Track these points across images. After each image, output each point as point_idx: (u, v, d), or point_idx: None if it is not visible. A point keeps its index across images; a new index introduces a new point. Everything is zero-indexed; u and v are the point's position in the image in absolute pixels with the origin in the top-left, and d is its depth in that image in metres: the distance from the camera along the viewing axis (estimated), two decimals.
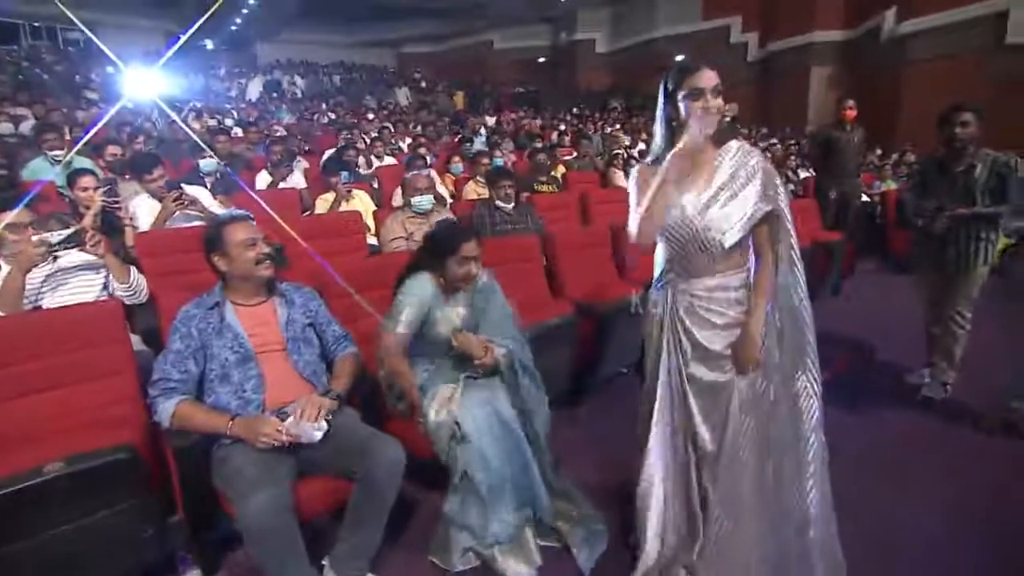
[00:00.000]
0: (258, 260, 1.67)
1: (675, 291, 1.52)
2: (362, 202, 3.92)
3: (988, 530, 1.87)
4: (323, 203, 3.83)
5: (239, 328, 1.66)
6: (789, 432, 1.44)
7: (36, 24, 15.67)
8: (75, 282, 2.06)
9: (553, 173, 5.35)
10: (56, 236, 1.91)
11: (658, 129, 1.49)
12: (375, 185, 4.78)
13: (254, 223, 1.73)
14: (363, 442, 1.57)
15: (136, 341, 2.01)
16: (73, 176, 2.94)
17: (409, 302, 1.87)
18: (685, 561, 1.58)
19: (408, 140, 7.44)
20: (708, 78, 1.36)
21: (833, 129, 5.04)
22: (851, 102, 4.89)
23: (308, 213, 3.90)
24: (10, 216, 1.95)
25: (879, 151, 8.91)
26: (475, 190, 4.45)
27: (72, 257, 2.08)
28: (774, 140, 10.08)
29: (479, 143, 7.07)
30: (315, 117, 9.59)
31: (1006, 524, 1.90)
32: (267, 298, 1.77)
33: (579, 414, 2.78)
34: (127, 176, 3.71)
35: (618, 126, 11.07)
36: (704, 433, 1.52)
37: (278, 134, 6.70)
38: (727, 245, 1.39)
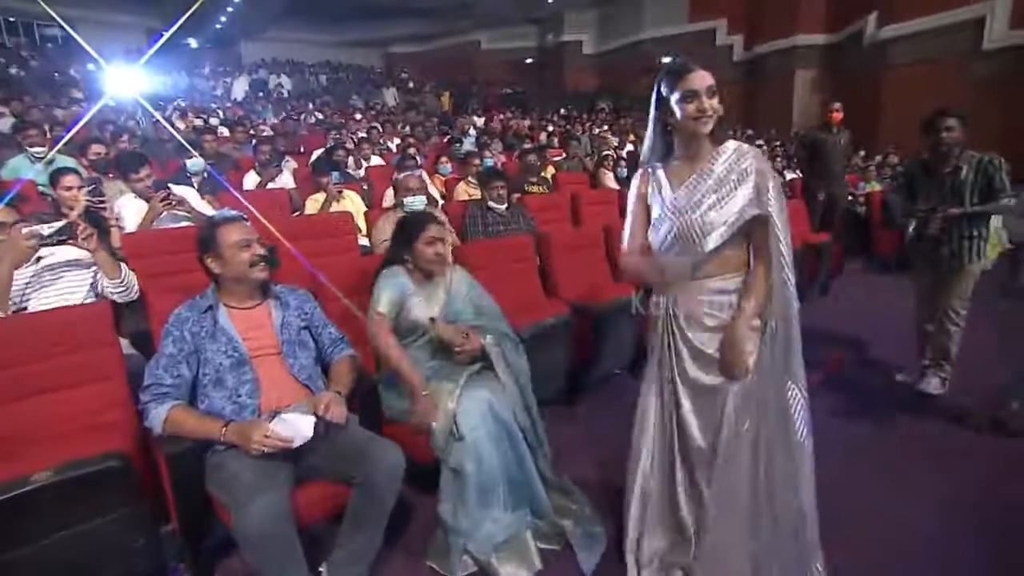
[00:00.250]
0: (252, 262, 1.64)
1: (672, 292, 1.51)
2: (353, 202, 3.87)
3: (981, 527, 1.89)
4: (313, 203, 3.78)
5: (233, 332, 1.63)
6: (780, 435, 1.43)
7: (11, 20, 15.30)
8: (61, 283, 2.00)
9: (543, 174, 5.35)
10: (47, 229, 1.87)
11: (650, 132, 1.49)
12: (364, 187, 4.73)
13: (248, 224, 1.69)
14: (362, 447, 1.55)
15: (125, 345, 1.96)
16: (56, 175, 2.87)
17: (384, 287, 1.95)
18: (682, 563, 1.58)
19: (396, 140, 7.39)
20: (701, 79, 1.34)
21: (820, 131, 5.11)
22: (837, 105, 4.95)
23: (298, 213, 3.85)
24: None
25: (862, 153, 9.05)
26: (466, 191, 4.43)
27: (57, 256, 2.03)
28: (760, 142, 10.19)
29: (468, 144, 7.05)
30: (302, 117, 9.48)
31: (999, 520, 1.93)
32: (261, 301, 1.74)
33: (576, 414, 2.77)
34: (111, 175, 3.64)
35: (606, 127, 11.11)
36: (696, 434, 1.52)
37: (265, 134, 6.60)
38: (707, 249, 1.38)
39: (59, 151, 4.08)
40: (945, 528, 1.89)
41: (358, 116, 9.82)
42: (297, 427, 1.47)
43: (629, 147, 8.79)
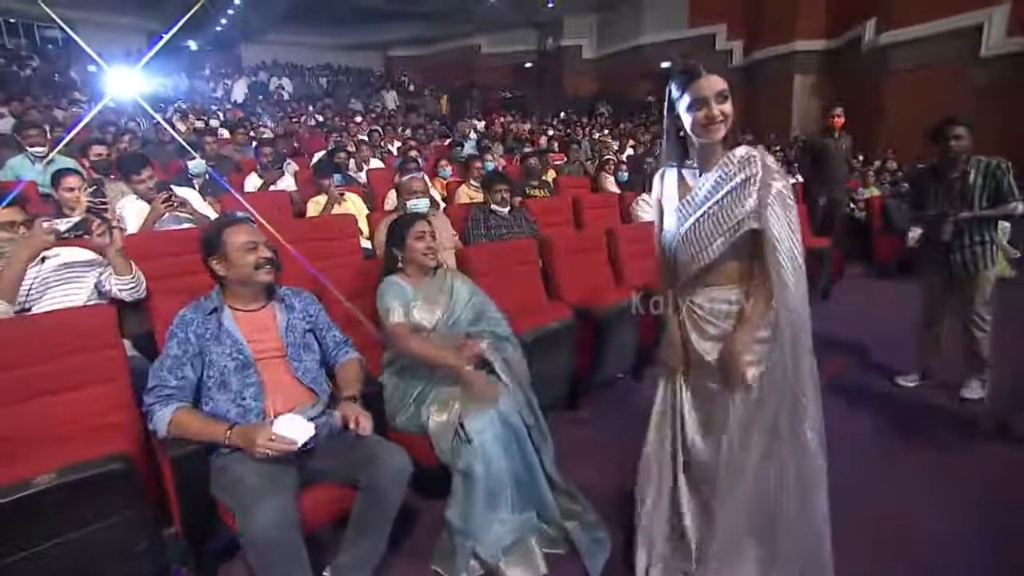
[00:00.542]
0: (258, 264, 1.63)
1: (682, 299, 1.51)
2: (354, 205, 3.87)
3: (985, 530, 1.89)
4: (315, 206, 3.77)
5: (238, 334, 1.62)
6: (791, 449, 1.38)
7: (12, 21, 15.29)
8: (65, 284, 1.99)
9: (544, 178, 5.36)
10: (64, 224, 1.89)
11: (665, 137, 1.48)
12: (365, 189, 4.73)
13: (254, 226, 1.68)
14: (368, 450, 1.54)
15: (127, 346, 1.94)
16: (57, 176, 2.86)
17: (390, 299, 1.97)
18: (684, 568, 1.57)
19: (397, 144, 7.40)
20: (711, 85, 1.29)
21: (822, 136, 5.12)
22: (839, 110, 4.98)
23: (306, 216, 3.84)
24: (2, 214, 1.88)
25: (861, 158, 9.08)
26: (467, 194, 4.43)
27: (62, 257, 2.01)
28: (760, 146, 10.21)
29: (469, 147, 7.06)
30: (302, 119, 9.48)
31: (1004, 523, 1.92)
32: (266, 303, 1.73)
33: (579, 418, 2.76)
34: (113, 176, 3.63)
35: (606, 131, 11.15)
36: (699, 442, 1.51)
37: (266, 136, 6.60)
38: (704, 261, 1.37)
39: (59, 152, 4.07)
40: (948, 531, 1.89)
41: (358, 119, 9.83)
42: (301, 430, 1.46)
43: (629, 151, 8.83)
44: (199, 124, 7.54)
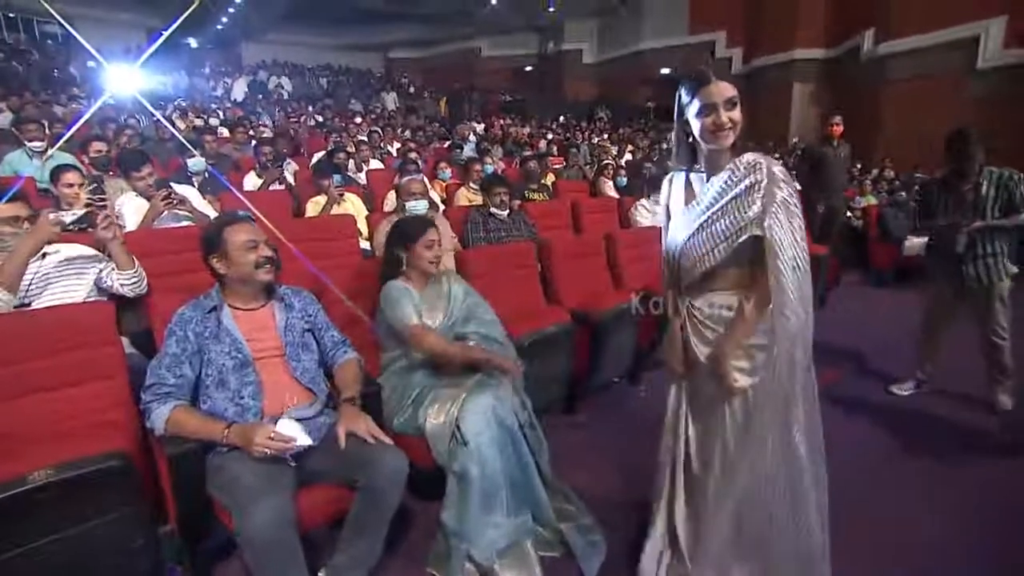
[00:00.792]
0: (259, 263, 1.63)
1: (683, 302, 1.51)
2: (354, 205, 3.87)
3: (985, 535, 1.90)
4: (314, 206, 3.77)
5: (237, 333, 1.62)
6: (782, 465, 1.37)
7: (11, 16, 15.23)
8: (64, 280, 1.98)
9: (543, 181, 5.37)
10: (70, 216, 1.90)
11: (674, 142, 1.48)
12: (364, 190, 4.73)
13: (255, 225, 1.68)
14: (366, 450, 1.53)
15: (124, 344, 1.94)
16: (56, 172, 2.84)
17: (401, 303, 1.95)
18: (681, 571, 1.58)
19: (396, 145, 7.41)
20: (720, 91, 1.28)
21: (820, 145, 5.16)
22: (838, 118, 5.01)
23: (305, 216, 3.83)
24: (4, 210, 1.88)
25: (859, 166, 9.13)
26: (466, 196, 4.43)
27: (62, 253, 2.01)
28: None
29: (468, 150, 7.07)
30: (302, 119, 9.48)
31: (1003, 528, 1.93)
32: (266, 302, 1.73)
33: (575, 422, 2.77)
34: (111, 173, 3.62)
35: (605, 136, 11.18)
36: (694, 447, 1.53)
37: (265, 135, 6.60)
38: (707, 266, 1.37)
39: (59, 148, 4.06)
40: (947, 536, 1.90)
41: (358, 120, 9.83)
42: (299, 432, 1.46)
43: (628, 156, 8.85)
44: (198, 122, 7.53)
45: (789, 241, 1.26)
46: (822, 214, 5.11)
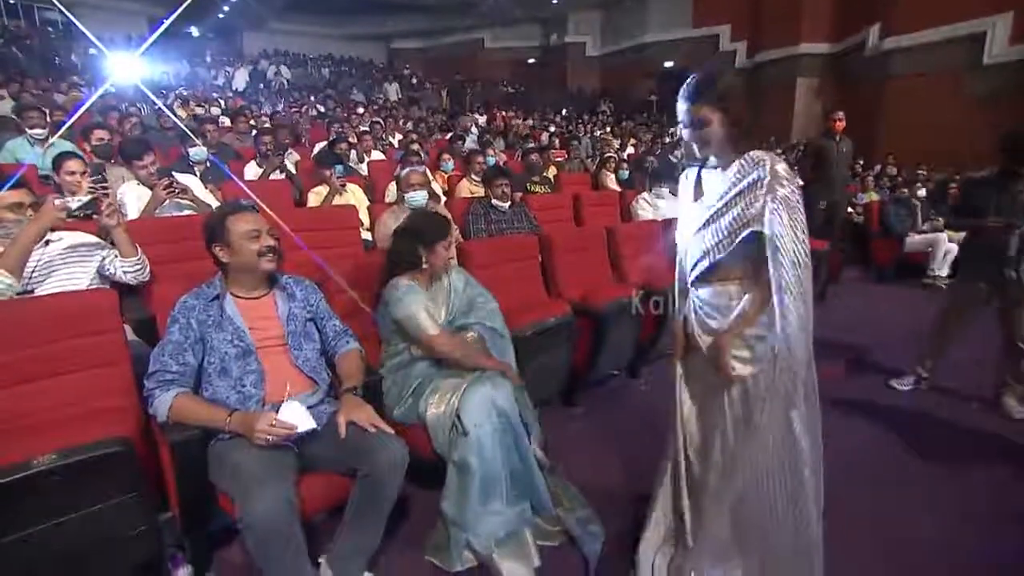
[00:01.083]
0: (261, 252, 1.63)
1: (691, 292, 1.54)
2: (355, 196, 3.86)
3: (986, 538, 1.90)
4: (315, 196, 3.76)
5: (240, 321, 1.62)
6: (779, 461, 1.39)
7: (11, 2, 15.14)
8: (67, 268, 1.98)
9: (545, 174, 5.36)
10: (75, 202, 1.89)
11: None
12: (366, 181, 4.72)
13: (258, 214, 1.69)
14: (367, 439, 1.54)
15: (127, 331, 1.94)
16: (59, 160, 2.84)
17: (414, 306, 1.89)
18: (679, 562, 1.60)
19: (399, 136, 7.39)
20: (681, 110, 1.37)
21: (823, 140, 5.14)
22: (840, 114, 4.99)
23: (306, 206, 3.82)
24: (7, 196, 1.88)
25: (861, 162, 9.10)
26: (468, 188, 4.43)
27: (65, 241, 2.01)
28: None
29: (470, 141, 7.05)
30: (303, 109, 9.45)
31: (1005, 531, 1.93)
32: (268, 291, 1.74)
33: (575, 414, 2.78)
34: (113, 161, 3.61)
35: (608, 129, 11.14)
36: (694, 435, 1.54)
37: (266, 125, 6.58)
38: (712, 258, 1.40)
39: (61, 136, 4.05)
40: (948, 539, 1.89)
41: (360, 110, 9.80)
42: (303, 418, 1.47)
43: (630, 150, 8.83)
44: (199, 111, 7.51)
45: (789, 237, 1.28)
46: (823, 209, 5.10)
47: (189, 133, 4.28)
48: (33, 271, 1.89)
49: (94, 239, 2.11)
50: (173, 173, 3.05)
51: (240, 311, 1.65)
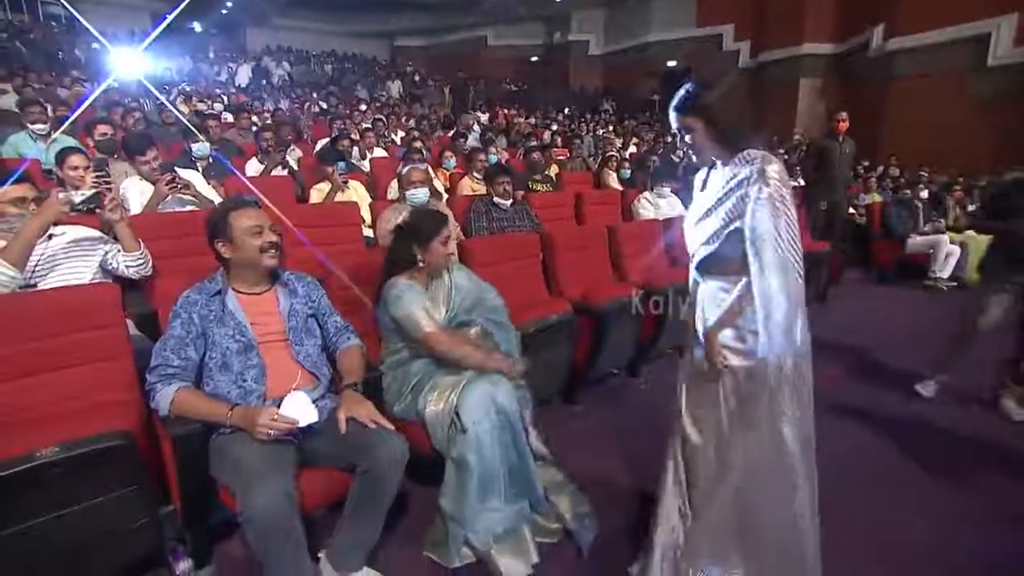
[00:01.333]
0: (263, 248, 1.64)
1: (699, 287, 1.56)
2: (357, 193, 3.87)
3: (985, 542, 1.89)
4: (318, 193, 3.77)
5: (241, 317, 1.63)
6: (767, 456, 1.40)
7: None
8: (70, 262, 1.99)
9: (547, 172, 5.36)
10: (79, 196, 1.91)
11: None
12: (368, 178, 4.72)
13: (260, 210, 1.69)
14: (366, 436, 1.55)
15: (129, 326, 1.95)
16: (62, 155, 2.84)
17: (412, 305, 1.89)
18: (677, 559, 1.60)
19: (401, 133, 7.39)
20: (671, 119, 1.45)
21: (825, 140, 5.14)
22: (844, 115, 4.99)
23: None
24: (11, 191, 1.88)
25: (866, 164, 9.09)
26: (470, 186, 4.43)
27: (68, 235, 2.02)
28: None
29: (472, 139, 7.05)
30: (306, 106, 9.45)
31: (1003, 535, 1.93)
32: (270, 287, 1.74)
33: (575, 411, 2.79)
34: (116, 157, 3.62)
35: (610, 128, 11.13)
36: (688, 424, 1.56)
37: (268, 122, 6.59)
38: (704, 254, 1.45)
39: (64, 131, 4.05)
40: (943, 542, 1.89)
41: (363, 107, 9.79)
42: (304, 409, 1.48)
43: (632, 149, 8.82)
44: (201, 107, 7.51)
45: (771, 235, 1.31)
46: (825, 210, 5.11)
47: (192, 129, 4.28)
48: (36, 265, 1.90)
49: (97, 233, 2.12)
50: (176, 169, 3.06)
51: (242, 306, 1.65)
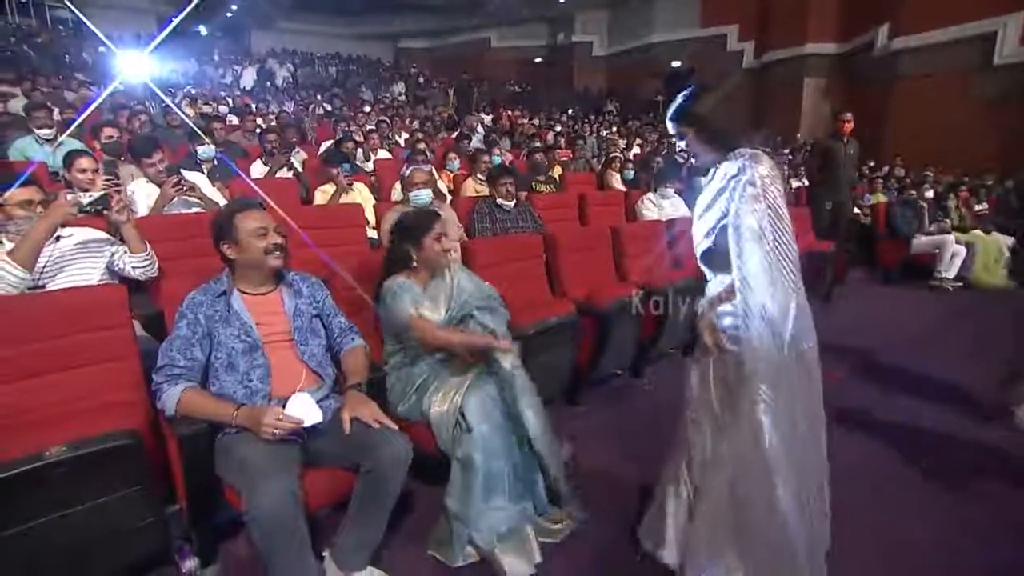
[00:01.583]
0: (268, 250, 1.65)
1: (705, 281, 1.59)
2: (361, 195, 3.89)
3: (988, 547, 1.88)
4: (322, 195, 3.79)
5: (247, 317, 1.65)
6: (744, 435, 1.40)
7: (23, 0, 15.27)
8: (78, 263, 2.02)
9: (551, 173, 5.37)
10: (87, 197, 1.93)
11: None
12: (372, 180, 4.74)
13: (265, 212, 1.71)
14: (370, 436, 1.56)
15: (136, 327, 1.97)
16: (70, 157, 2.87)
17: (404, 299, 1.92)
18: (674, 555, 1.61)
19: (405, 135, 7.41)
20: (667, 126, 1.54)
21: (830, 141, 5.13)
22: (849, 115, 4.98)
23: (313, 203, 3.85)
24: (18, 194, 1.91)
25: (871, 164, 9.06)
26: (474, 187, 4.45)
27: (76, 237, 2.05)
28: (767, 150, 10.19)
29: (476, 141, 7.07)
30: (310, 108, 9.49)
31: (1007, 540, 1.92)
32: (275, 287, 1.76)
33: (578, 412, 2.79)
34: (123, 159, 3.65)
35: (614, 129, 11.12)
36: (692, 431, 1.57)
37: (272, 124, 6.62)
38: (702, 251, 1.51)
39: (71, 134, 4.09)
40: (946, 546, 1.88)
41: (367, 109, 9.83)
42: (309, 409, 1.50)
43: (636, 150, 8.82)
44: (207, 109, 7.56)
45: (752, 230, 1.34)
46: (829, 210, 5.09)
47: (197, 131, 4.32)
48: (45, 266, 1.92)
49: (104, 235, 2.14)
50: (181, 171, 3.08)
51: (247, 307, 1.67)
